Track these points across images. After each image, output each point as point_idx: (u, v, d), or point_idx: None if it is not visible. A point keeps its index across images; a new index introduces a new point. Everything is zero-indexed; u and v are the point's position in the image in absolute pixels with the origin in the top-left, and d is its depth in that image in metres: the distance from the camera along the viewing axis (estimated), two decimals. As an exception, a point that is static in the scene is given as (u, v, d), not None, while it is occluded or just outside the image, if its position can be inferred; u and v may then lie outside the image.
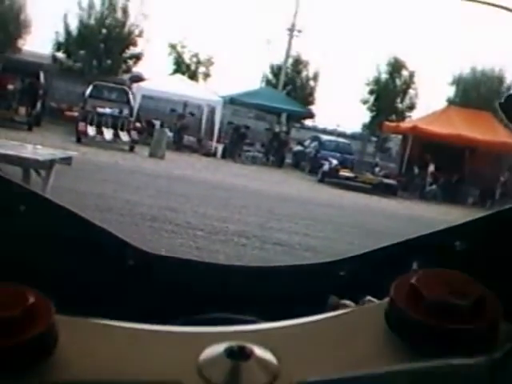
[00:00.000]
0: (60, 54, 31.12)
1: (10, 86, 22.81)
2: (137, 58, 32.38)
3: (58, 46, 31.06)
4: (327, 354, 0.57)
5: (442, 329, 0.56)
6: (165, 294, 0.90)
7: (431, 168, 23.57)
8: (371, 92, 33.43)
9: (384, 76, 33.28)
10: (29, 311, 0.53)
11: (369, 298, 0.70)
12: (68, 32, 31.02)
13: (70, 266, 0.86)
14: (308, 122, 34.67)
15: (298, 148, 28.19)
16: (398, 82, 33.18)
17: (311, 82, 34.18)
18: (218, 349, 0.55)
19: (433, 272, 0.61)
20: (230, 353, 0.54)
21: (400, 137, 28.08)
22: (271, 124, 29.62)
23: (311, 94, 34.01)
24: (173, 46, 33.69)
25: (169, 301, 0.89)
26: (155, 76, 28.51)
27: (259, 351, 0.55)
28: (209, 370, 0.53)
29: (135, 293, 0.88)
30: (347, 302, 0.74)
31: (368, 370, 0.54)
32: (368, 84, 33.58)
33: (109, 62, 30.89)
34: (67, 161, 7.67)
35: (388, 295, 0.60)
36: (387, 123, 28.22)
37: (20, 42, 30.82)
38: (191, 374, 0.53)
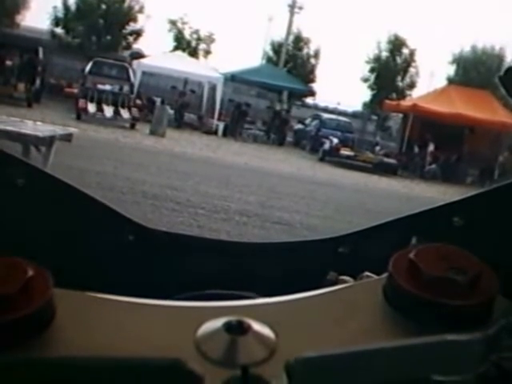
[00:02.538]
0: (59, 30, 30.88)
1: (9, 62, 22.63)
2: (137, 34, 32.18)
3: (57, 22, 30.80)
4: (325, 330, 0.57)
5: (440, 304, 0.56)
6: (164, 269, 0.90)
7: (431, 147, 23.53)
8: (372, 70, 33.27)
9: (385, 54, 33.11)
10: (28, 284, 0.53)
11: (367, 273, 0.70)
12: (66, 7, 30.74)
13: (70, 240, 0.86)
14: (309, 100, 34.57)
15: (299, 126, 28.12)
16: (398, 60, 33.01)
17: (312, 60, 34.01)
18: (215, 323, 0.55)
19: (431, 247, 0.61)
20: (228, 327, 0.54)
21: (400, 115, 28.01)
22: (272, 102, 29.52)
23: (312, 71, 33.85)
24: (173, 23, 33.48)
25: (168, 276, 0.89)
26: (155, 53, 28.36)
27: (257, 326, 0.55)
28: (206, 345, 0.53)
29: (134, 268, 0.89)
30: (346, 278, 0.74)
31: (366, 345, 0.55)
32: (368, 62, 33.43)
33: (108, 38, 30.68)
34: (67, 137, 7.65)
35: (386, 270, 0.60)
36: (388, 101, 28.12)
37: (18, 18, 30.59)
38: (189, 348, 0.53)
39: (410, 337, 0.55)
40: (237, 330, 0.54)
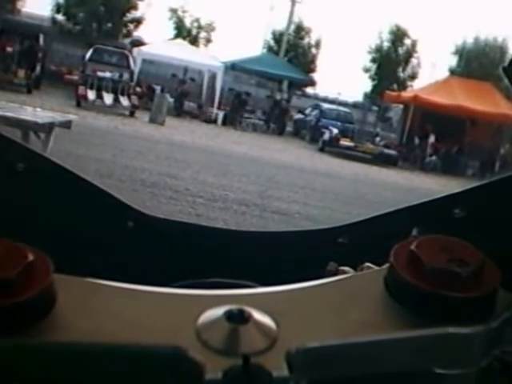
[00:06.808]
0: (59, 16, 30.78)
1: (9, 49, 22.57)
2: (137, 22, 32.09)
3: (58, 8, 30.70)
4: (326, 320, 0.57)
5: (441, 296, 0.56)
6: (164, 256, 0.90)
7: (431, 139, 23.51)
8: (373, 60, 33.20)
9: (386, 44, 33.02)
10: (28, 269, 0.52)
11: (368, 264, 0.70)
12: (67, -7, 30.62)
13: (69, 226, 0.86)
14: (309, 90, 34.51)
15: (299, 116, 28.08)
16: (400, 50, 32.94)
17: (313, 50, 33.94)
18: (216, 312, 0.55)
19: (432, 238, 0.61)
20: (229, 316, 0.54)
21: (401, 106, 27.96)
22: (272, 91, 29.45)
23: (313, 61, 33.79)
24: (174, 11, 33.39)
25: (167, 263, 0.89)
26: (156, 41, 28.27)
27: (258, 315, 0.55)
28: (207, 333, 0.53)
29: (135, 254, 0.88)
30: (346, 269, 0.74)
31: (366, 336, 0.54)
32: (370, 52, 33.36)
33: (109, 25, 30.59)
34: (67, 124, 7.63)
35: (387, 261, 0.60)
36: (388, 92, 28.06)
37: (19, 4, 30.46)
38: (189, 336, 0.53)
39: (411, 329, 0.55)
40: (238, 318, 0.54)
